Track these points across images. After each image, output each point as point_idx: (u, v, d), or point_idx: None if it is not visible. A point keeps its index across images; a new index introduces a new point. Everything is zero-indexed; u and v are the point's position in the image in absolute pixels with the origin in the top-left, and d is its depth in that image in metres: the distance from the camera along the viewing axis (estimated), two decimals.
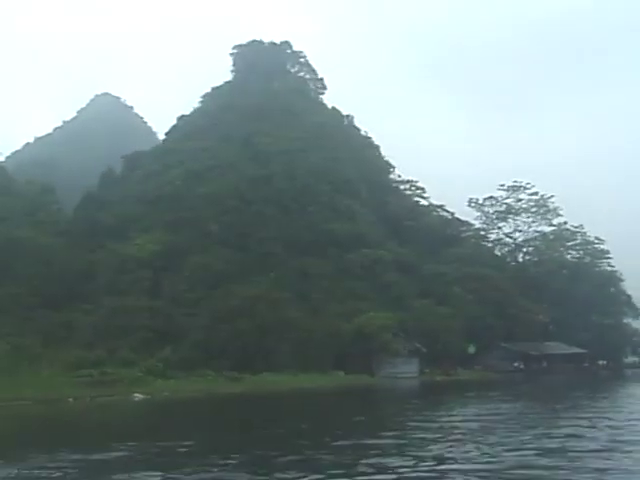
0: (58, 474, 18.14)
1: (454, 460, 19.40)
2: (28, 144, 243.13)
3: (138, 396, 55.97)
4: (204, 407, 49.17)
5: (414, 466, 18.40)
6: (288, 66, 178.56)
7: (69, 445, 24.63)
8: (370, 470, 17.77)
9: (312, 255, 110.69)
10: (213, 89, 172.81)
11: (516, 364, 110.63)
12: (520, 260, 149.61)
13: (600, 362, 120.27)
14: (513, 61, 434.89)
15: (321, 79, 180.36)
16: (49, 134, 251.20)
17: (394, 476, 16.97)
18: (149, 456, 21.80)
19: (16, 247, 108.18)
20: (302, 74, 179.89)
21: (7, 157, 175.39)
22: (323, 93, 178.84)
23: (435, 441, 24.35)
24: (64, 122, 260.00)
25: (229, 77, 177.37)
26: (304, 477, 16.56)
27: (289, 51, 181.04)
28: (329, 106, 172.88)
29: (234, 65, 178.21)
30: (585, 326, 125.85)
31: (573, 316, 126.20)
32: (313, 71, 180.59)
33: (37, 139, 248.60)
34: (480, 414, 36.12)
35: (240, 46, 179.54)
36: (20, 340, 78.24)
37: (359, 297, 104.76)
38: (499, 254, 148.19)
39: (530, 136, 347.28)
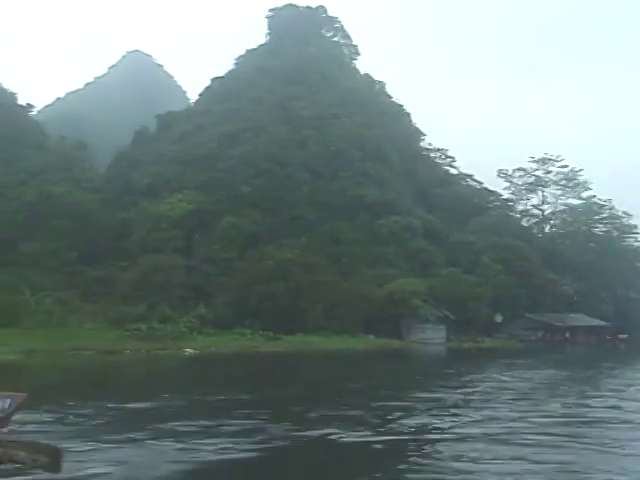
0: (151, 413, 19.46)
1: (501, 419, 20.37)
2: (59, 99, 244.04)
3: (188, 351, 57.90)
4: (252, 363, 50.80)
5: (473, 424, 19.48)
6: (323, 31, 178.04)
7: (141, 393, 26.12)
8: (432, 428, 18.71)
9: (342, 220, 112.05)
10: (247, 51, 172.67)
11: (540, 334, 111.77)
12: (547, 232, 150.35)
13: (621, 336, 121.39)
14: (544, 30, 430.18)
15: (355, 45, 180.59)
16: (80, 89, 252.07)
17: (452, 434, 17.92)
18: (209, 406, 23.15)
19: (51, 202, 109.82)
20: (336, 39, 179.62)
21: (38, 111, 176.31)
22: (356, 59, 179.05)
23: (486, 401, 25.51)
24: (95, 78, 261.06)
25: (264, 40, 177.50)
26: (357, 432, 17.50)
27: (324, 15, 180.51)
28: (362, 72, 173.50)
29: (269, 28, 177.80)
30: (609, 299, 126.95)
31: (598, 289, 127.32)
32: (347, 36, 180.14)
33: (68, 94, 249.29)
34: (522, 378, 37.42)
35: (275, 9, 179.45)
36: (60, 294, 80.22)
37: (388, 263, 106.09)
38: (526, 225, 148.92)
39: (562, 106, 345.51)
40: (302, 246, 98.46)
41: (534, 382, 34.95)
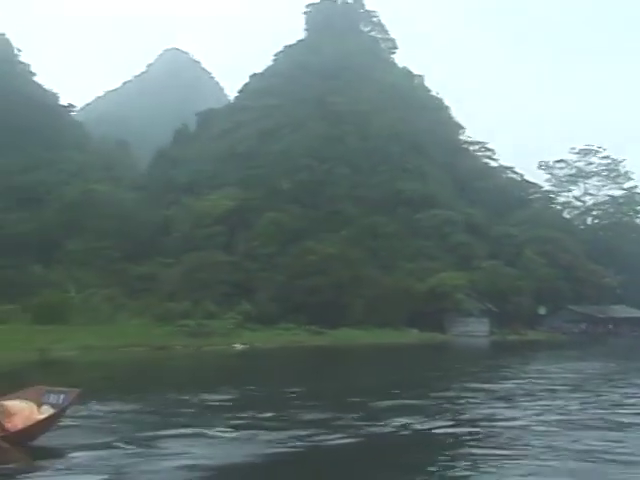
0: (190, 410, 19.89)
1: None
2: (98, 98, 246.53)
3: (237, 346, 58.46)
4: (301, 357, 51.16)
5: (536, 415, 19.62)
6: (360, 25, 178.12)
7: (200, 387, 26.54)
8: (481, 418, 18.81)
9: (382, 214, 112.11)
10: (286, 47, 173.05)
11: (583, 326, 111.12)
12: (589, 223, 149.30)
13: None
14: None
15: (393, 39, 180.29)
16: (119, 88, 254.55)
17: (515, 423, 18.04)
18: (265, 398, 23.53)
19: (94, 201, 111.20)
20: (374, 33, 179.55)
21: (79, 110, 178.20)
22: (394, 53, 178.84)
23: (544, 391, 25.56)
24: (134, 76, 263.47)
25: (302, 36, 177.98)
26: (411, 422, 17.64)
27: (362, 10, 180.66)
28: (400, 66, 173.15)
29: (307, 24, 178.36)
30: None
31: None
32: (385, 31, 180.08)
33: (107, 93, 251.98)
34: (571, 369, 37.38)
35: (313, 5, 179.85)
36: (105, 291, 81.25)
37: (428, 256, 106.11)
38: (568, 217, 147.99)
39: (598, 94, 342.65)
40: (342, 241, 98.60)
41: (585, 373, 34.84)
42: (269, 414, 18.48)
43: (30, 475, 11.09)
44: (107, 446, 13.19)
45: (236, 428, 15.79)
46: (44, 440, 12.67)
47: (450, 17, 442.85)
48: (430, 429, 16.27)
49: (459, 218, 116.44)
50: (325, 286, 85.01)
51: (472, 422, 17.41)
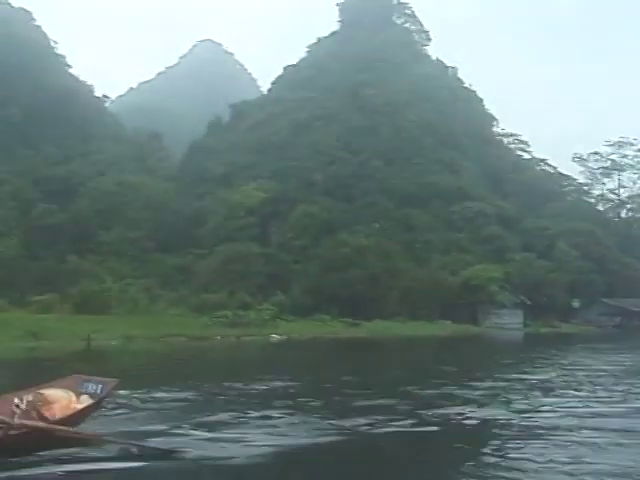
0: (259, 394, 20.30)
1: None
2: (132, 89, 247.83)
3: (275, 336, 58.96)
4: (338, 348, 51.49)
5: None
6: (394, 17, 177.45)
7: (247, 375, 26.95)
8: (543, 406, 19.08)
9: (415, 207, 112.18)
10: (319, 39, 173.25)
11: (617, 319, 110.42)
12: (623, 216, 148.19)
13: None
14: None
15: (426, 31, 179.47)
16: (152, 80, 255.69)
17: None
18: (313, 387, 23.87)
19: (128, 192, 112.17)
20: (407, 25, 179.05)
21: (112, 101, 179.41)
22: (428, 45, 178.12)
23: (590, 383, 25.64)
24: (167, 68, 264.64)
25: (335, 28, 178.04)
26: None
27: (395, 2, 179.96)
28: (433, 58, 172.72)
29: (340, 16, 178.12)
30: None
31: None
32: (418, 22, 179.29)
33: (140, 84, 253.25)
34: (610, 361, 37.35)
35: None
36: (141, 282, 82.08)
37: (462, 249, 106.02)
38: (602, 210, 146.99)
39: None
40: (375, 233, 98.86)
41: (625, 365, 34.85)
42: (319, 402, 18.82)
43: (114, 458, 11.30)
44: (178, 432, 13.53)
45: (292, 414, 16.13)
46: (111, 426, 13.08)
47: (484, 8, 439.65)
48: (483, 417, 16.51)
49: (492, 211, 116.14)
50: (359, 278, 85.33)
51: (522, 412, 17.61)
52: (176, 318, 62.30)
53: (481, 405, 18.56)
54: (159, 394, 19.56)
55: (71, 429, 11.45)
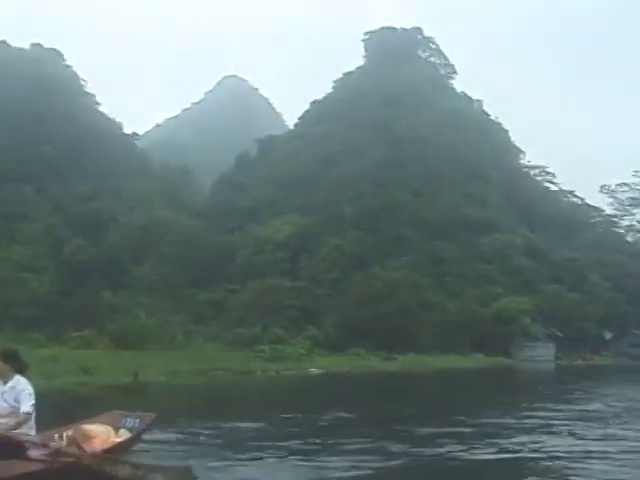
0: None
1: None
2: (158, 125, 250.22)
3: (314, 370, 59.19)
4: (378, 381, 51.67)
5: None
6: (419, 51, 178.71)
7: (309, 407, 27.47)
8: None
9: (443, 239, 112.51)
10: (345, 74, 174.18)
11: None
12: None
13: None
14: None
15: (452, 64, 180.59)
16: (178, 115, 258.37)
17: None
18: (373, 417, 24.34)
19: (158, 227, 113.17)
20: (433, 59, 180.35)
21: (139, 137, 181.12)
22: (453, 78, 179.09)
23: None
24: (192, 104, 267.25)
25: (360, 62, 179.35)
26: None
27: (420, 37, 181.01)
28: (458, 91, 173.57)
29: (366, 51, 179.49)
30: None
31: None
32: (444, 56, 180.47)
33: (166, 120, 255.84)
34: None
35: (371, 32, 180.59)
36: (174, 317, 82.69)
37: (491, 281, 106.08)
38: (631, 241, 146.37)
39: None
40: (405, 266, 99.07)
41: None
42: (384, 430, 19.24)
43: None
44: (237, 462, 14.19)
45: (368, 442, 16.51)
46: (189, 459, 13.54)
47: (507, 41, 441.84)
48: (556, 446, 16.79)
49: (521, 242, 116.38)
50: (391, 312, 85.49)
51: (582, 439, 17.90)
52: (214, 353, 62.60)
53: (548, 434, 18.93)
54: (244, 424, 20.51)
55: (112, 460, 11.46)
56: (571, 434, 19.39)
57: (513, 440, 17.56)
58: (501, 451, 15.77)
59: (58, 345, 59.65)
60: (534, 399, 33.54)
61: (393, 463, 14.19)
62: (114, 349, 56.73)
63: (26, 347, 50.13)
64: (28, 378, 11.00)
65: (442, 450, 15.70)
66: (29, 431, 10.73)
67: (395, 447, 16.21)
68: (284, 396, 38.07)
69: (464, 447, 16.11)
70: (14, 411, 10.64)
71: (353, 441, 17.20)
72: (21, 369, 11.06)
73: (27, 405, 10.59)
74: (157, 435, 16.40)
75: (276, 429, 20.35)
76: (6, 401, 10.70)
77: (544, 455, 15.74)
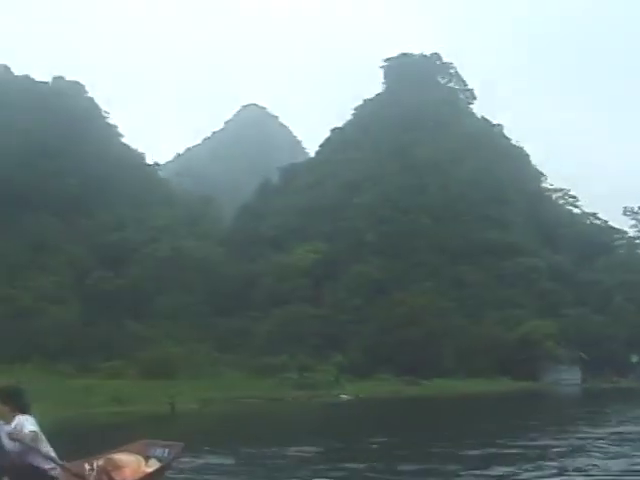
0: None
1: None
2: (179, 155, 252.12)
3: (344, 396, 59.55)
4: (408, 407, 51.70)
5: None
6: (438, 77, 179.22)
7: (350, 434, 27.86)
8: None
9: (466, 263, 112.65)
10: (365, 101, 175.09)
11: None
12: None
13: None
14: None
15: (470, 89, 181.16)
16: (198, 145, 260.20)
17: None
18: (415, 440, 24.67)
19: (181, 257, 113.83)
20: (452, 85, 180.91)
21: (160, 167, 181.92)
22: (472, 103, 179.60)
23: None
24: (212, 133, 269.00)
25: (380, 89, 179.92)
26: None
27: (438, 62, 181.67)
28: (478, 116, 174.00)
29: (385, 77, 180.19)
30: None
31: None
32: (462, 82, 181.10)
33: (187, 150, 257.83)
34: None
35: (390, 59, 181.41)
36: (199, 346, 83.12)
37: (515, 305, 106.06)
38: None
39: None
40: (428, 291, 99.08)
41: None
42: (432, 452, 19.55)
43: None
44: None
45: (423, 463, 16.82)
46: None
47: (526, 64, 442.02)
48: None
49: (544, 265, 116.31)
50: (416, 337, 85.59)
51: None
52: (243, 381, 63.11)
53: (591, 456, 19.02)
54: (296, 449, 21.13)
55: None
56: (615, 455, 19.50)
57: (561, 461, 17.78)
58: (554, 474, 15.92)
59: (86, 375, 60.22)
60: (567, 422, 33.59)
61: None
62: (143, 379, 57.08)
63: (55, 378, 51.19)
64: (32, 416, 10.72)
65: (495, 472, 15.94)
66: (49, 464, 10.70)
67: (449, 468, 16.52)
68: (322, 422, 38.32)
69: (514, 469, 16.37)
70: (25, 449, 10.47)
71: (407, 463, 17.53)
72: (23, 409, 10.79)
73: (28, 427, 10.40)
74: (215, 460, 17.02)
75: (330, 453, 20.83)
76: (11, 444, 10.49)
77: (599, 475, 15.89)
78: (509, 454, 19.60)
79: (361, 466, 17.45)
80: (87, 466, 11.92)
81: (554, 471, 16.16)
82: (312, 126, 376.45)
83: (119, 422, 33.49)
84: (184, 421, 37.81)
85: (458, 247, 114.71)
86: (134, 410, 38.54)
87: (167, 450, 13.19)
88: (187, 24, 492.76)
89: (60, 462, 10.77)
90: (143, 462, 12.41)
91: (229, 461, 19.02)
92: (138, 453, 12.75)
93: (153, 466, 12.56)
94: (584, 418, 34.94)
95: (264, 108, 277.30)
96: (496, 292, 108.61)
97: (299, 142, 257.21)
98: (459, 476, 15.79)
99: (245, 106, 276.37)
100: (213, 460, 18.87)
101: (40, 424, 10.77)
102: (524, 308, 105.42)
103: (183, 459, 16.36)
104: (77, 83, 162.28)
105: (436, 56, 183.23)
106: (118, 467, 11.75)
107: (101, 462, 11.92)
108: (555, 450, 20.51)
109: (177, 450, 13.37)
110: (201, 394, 47.50)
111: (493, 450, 20.34)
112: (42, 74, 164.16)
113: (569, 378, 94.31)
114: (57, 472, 10.80)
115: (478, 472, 16.09)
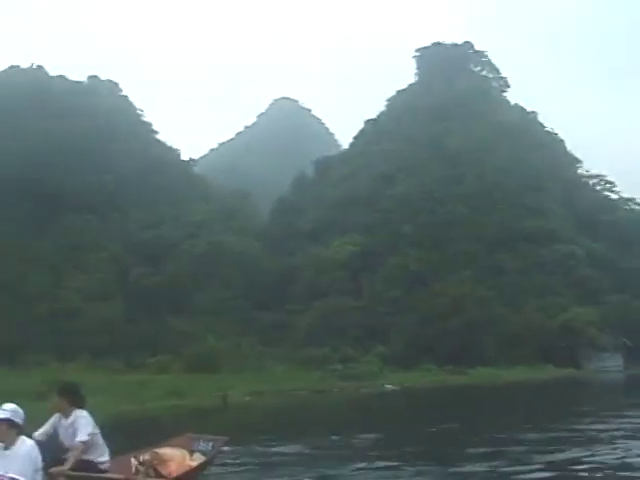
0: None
1: None
2: (212, 150, 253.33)
3: (389, 386, 59.95)
4: (458, 395, 51.80)
5: None
6: (471, 66, 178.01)
7: (412, 420, 28.23)
8: None
9: (503, 251, 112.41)
10: (398, 92, 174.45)
11: None
12: None
13: None
14: None
15: (504, 77, 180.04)
16: (232, 139, 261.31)
17: None
18: (479, 426, 24.91)
19: (220, 252, 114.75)
20: (484, 73, 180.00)
21: (195, 162, 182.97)
22: (506, 91, 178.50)
23: None
24: (245, 127, 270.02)
25: (413, 79, 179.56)
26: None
27: (471, 51, 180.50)
28: (512, 103, 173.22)
29: (417, 67, 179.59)
30: None
31: None
32: (495, 69, 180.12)
33: (220, 144, 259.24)
34: None
35: (422, 49, 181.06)
36: (242, 339, 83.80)
37: (553, 292, 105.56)
38: None
39: None
40: (466, 280, 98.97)
41: None
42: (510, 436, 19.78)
43: None
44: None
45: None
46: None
47: (557, 48, 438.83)
48: None
49: (582, 252, 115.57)
50: (457, 326, 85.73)
51: None
52: (288, 373, 63.61)
53: None
54: (363, 436, 21.56)
55: None
56: None
57: (627, 443, 17.90)
58: (624, 456, 16.03)
59: (134, 371, 61.06)
60: (618, 407, 33.54)
61: (530, 467, 14.66)
62: (189, 373, 57.73)
63: (103, 374, 52.01)
64: (87, 411, 11.22)
65: (569, 455, 16.11)
66: (99, 458, 11.18)
67: (518, 451, 16.74)
68: (374, 411, 38.57)
69: (587, 452, 16.54)
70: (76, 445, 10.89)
71: (475, 448, 17.77)
72: (79, 403, 11.26)
73: (82, 435, 10.84)
74: (282, 449, 17.92)
75: (395, 440, 21.28)
76: (69, 436, 11.01)
77: None
78: (573, 437, 19.77)
79: (431, 450, 17.70)
80: (134, 460, 12.29)
81: (623, 453, 16.29)
82: (345, 118, 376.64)
83: (177, 414, 34.27)
84: (238, 412, 38.56)
85: (495, 235, 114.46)
86: (188, 403, 39.31)
87: (211, 443, 13.65)
88: (218, 19, 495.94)
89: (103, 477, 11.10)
90: (188, 456, 12.87)
91: (294, 449, 19.44)
92: (183, 447, 13.19)
93: (198, 460, 13.00)
94: (635, 405, 34.87)
95: (296, 101, 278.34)
96: (534, 280, 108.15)
97: (332, 134, 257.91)
98: (529, 459, 15.93)
99: (277, 100, 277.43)
100: (280, 449, 19.31)
101: (96, 417, 11.21)
102: (563, 295, 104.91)
103: (252, 448, 16.76)
104: (111, 82, 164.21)
105: (468, 44, 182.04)
106: (164, 461, 12.18)
107: (147, 456, 12.27)
108: (617, 433, 20.63)
109: (221, 443, 13.86)
110: (249, 387, 48.20)
111: (555, 434, 20.49)
112: (77, 74, 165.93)
113: (612, 365, 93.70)
114: (107, 465, 11.26)
115: (551, 456, 16.26)
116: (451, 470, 14.81)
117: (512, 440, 19.53)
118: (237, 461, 16.86)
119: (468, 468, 14.78)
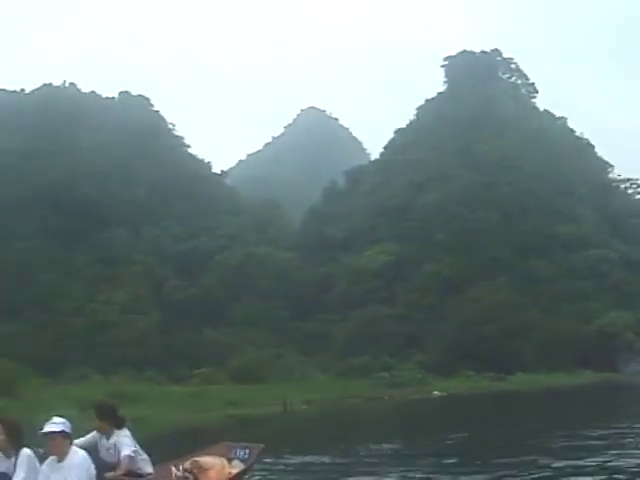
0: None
1: None
2: (241, 161, 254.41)
3: (436, 393, 60.60)
4: (503, 401, 52.14)
5: None
6: (499, 73, 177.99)
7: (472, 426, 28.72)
8: None
9: (537, 257, 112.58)
10: (427, 101, 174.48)
11: None
12: None
13: None
14: None
15: (532, 83, 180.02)
16: (260, 151, 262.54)
17: None
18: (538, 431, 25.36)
19: (253, 263, 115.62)
20: (513, 80, 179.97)
21: (224, 173, 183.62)
22: (535, 97, 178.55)
23: None
24: (273, 138, 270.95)
25: (441, 88, 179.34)
26: None
27: (499, 58, 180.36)
28: (541, 109, 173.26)
29: (446, 76, 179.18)
30: None
31: None
32: (524, 76, 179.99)
33: (249, 156, 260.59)
34: None
35: (451, 57, 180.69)
36: (281, 349, 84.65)
37: (588, 297, 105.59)
38: None
39: None
40: (501, 286, 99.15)
41: None
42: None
43: None
44: None
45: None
46: None
47: (585, 52, 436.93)
48: None
49: (616, 256, 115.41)
50: (494, 333, 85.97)
51: None
52: (332, 382, 64.46)
53: None
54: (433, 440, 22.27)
55: None
56: None
57: None
58: None
59: (177, 383, 62.06)
60: None
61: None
62: (234, 384, 58.57)
63: (148, 386, 52.88)
64: (129, 430, 11.65)
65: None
66: (144, 470, 11.62)
67: (580, 455, 17.15)
68: (432, 417, 39.21)
69: None
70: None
71: (540, 454, 18.16)
72: (120, 424, 11.64)
73: (127, 450, 11.25)
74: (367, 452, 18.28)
75: (467, 444, 21.86)
76: (111, 456, 11.41)
77: None
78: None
79: (500, 455, 18.21)
80: (174, 469, 12.55)
81: None
82: (371, 127, 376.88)
83: (242, 422, 35.13)
84: (300, 418, 39.71)
85: (528, 242, 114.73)
86: (248, 412, 40.06)
87: (248, 451, 13.78)
88: (247, 32, 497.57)
89: None
90: (227, 464, 13.00)
91: (366, 452, 20.16)
92: (220, 455, 13.33)
93: (236, 467, 13.14)
94: None
95: (323, 111, 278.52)
96: (569, 285, 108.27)
97: (359, 143, 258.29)
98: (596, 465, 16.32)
99: (304, 110, 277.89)
100: (363, 452, 20.10)
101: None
102: (598, 300, 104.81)
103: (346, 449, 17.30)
104: (142, 97, 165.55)
105: (496, 52, 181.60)
106: (203, 469, 12.38)
107: (187, 465, 12.50)
108: None
109: (257, 451, 13.94)
110: (301, 396, 48.93)
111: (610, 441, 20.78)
112: (108, 89, 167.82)
113: None
114: (152, 477, 11.73)
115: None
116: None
117: (567, 444, 19.91)
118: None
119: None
